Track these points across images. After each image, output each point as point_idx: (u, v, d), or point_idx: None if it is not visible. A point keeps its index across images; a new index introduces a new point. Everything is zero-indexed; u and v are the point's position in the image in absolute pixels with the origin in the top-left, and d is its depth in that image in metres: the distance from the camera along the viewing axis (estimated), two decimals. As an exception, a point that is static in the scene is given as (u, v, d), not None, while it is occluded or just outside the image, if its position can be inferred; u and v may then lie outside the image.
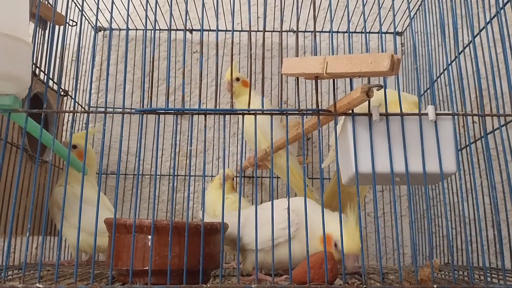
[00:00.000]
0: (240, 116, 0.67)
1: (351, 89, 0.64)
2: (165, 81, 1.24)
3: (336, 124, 0.72)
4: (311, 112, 0.66)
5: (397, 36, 1.25)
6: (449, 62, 0.86)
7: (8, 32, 0.61)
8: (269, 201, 0.66)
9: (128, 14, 0.77)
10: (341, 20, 1.27)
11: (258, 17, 1.26)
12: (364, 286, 0.60)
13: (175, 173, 1.19)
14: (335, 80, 0.72)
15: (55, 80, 1.01)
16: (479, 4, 0.79)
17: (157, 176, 1.20)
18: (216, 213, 0.99)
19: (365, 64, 0.56)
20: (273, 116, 0.66)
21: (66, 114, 1.14)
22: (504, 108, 0.76)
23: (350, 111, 0.65)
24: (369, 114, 0.65)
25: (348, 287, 0.60)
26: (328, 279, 0.61)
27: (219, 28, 1.21)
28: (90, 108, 1.14)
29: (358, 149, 0.65)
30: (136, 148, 0.93)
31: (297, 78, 0.68)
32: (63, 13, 0.85)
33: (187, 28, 1.25)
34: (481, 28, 0.81)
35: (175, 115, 0.67)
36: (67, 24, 0.93)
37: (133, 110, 0.67)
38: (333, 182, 0.96)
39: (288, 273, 0.68)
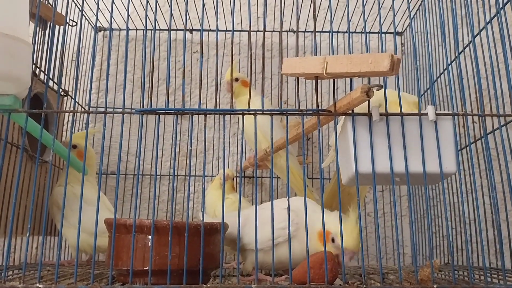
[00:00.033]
0: (240, 116, 0.67)
1: (351, 89, 0.64)
2: (165, 81, 1.25)
3: (336, 124, 0.72)
4: (311, 112, 0.66)
5: (397, 36, 1.25)
6: (449, 62, 0.86)
7: (8, 32, 0.61)
8: (269, 201, 0.66)
9: (128, 14, 0.77)
10: (341, 20, 1.27)
11: (258, 17, 1.26)
12: (364, 286, 0.60)
13: (175, 173, 1.20)
14: (335, 80, 0.72)
15: (55, 80, 1.01)
16: (479, 4, 0.79)
17: (157, 176, 1.20)
18: (216, 213, 0.99)
19: (365, 64, 0.56)
20: (273, 116, 0.66)
21: (66, 114, 1.14)
22: (504, 108, 0.76)
23: (350, 111, 0.65)
24: (369, 114, 0.65)
25: (348, 287, 0.60)
26: (328, 279, 0.61)
27: (219, 28, 1.21)
28: (90, 108, 1.14)
29: (358, 149, 0.65)
30: (136, 148, 0.94)
31: (297, 78, 0.68)
32: (63, 13, 0.85)
33: (187, 28, 1.25)
34: (481, 28, 0.81)
35: (175, 115, 0.67)
36: (67, 24, 0.93)
37: (133, 110, 0.67)
38: (333, 182, 0.96)
39: (288, 273, 0.68)
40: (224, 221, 0.66)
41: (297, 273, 0.64)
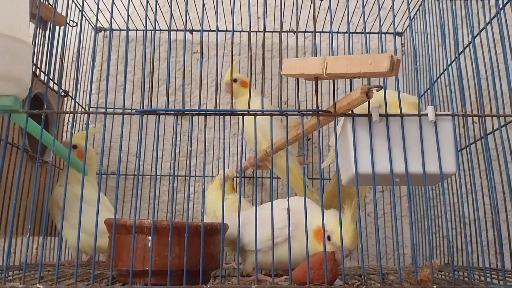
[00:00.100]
0: (240, 117, 0.68)
1: (351, 89, 0.64)
2: (165, 82, 1.25)
3: (336, 124, 0.72)
4: (311, 112, 0.66)
5: (397, 37, 1.25)
6: (449, 63, 0.86)
7: (8, 32, 0.61)
8: (269, 201, 0.66)
9: (128, 15, 0.77)
10: (341, 21, 1.27)
11: (258, 18, 1.26)
12: (364, 286, 0.60)
13: (175, 174, 1.20)
14: (335, 80, 0.72)
15: (56, 81, 1.01)
16: (479, 5, 0.79)
17: (157, 177, 1.20)
18: (216, 214, 0.99)
19: (365, 65, 0.56)
20: (273, 116, 0.66)
21: (67, 115, 1.14)
22: (504, 109, 0.76)
23: (350, 112, 0.65)
24: (369, 115, 0.65)
25: (348, 288, 0.60)
26: (328, 279, 0.61)
27: (219, 29, 1.21)
28: (91, 108, 1.14)
29: (358, 150, 0.65)
30: (137, 148, 0.94)
31: (297, 78, 0.68)
32: (64, 14, 0.85)
33: (187, 28, 1.25)
34: (481, 28, 0.81)
35: (175, 116, 0.67)
36: (67, 25, 0.93)
37: (133, 111, 0.67)
38: (333, 183, 0.96)
39: (288, 274, 0.68)
40: (224, 222, 0.66)
41: (297, 274, 0.64)
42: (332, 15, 0.71)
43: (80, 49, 1.13)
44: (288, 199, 0.63)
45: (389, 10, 1.14)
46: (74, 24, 1.10)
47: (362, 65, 0.56)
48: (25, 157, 0.91)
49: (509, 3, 0.76)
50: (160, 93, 1.26)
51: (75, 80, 1.08)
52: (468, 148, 0.71)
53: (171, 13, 1.05)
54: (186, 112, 0.66)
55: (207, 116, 0.67)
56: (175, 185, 1.21)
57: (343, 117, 0.67)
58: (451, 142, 0.65)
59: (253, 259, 0.71)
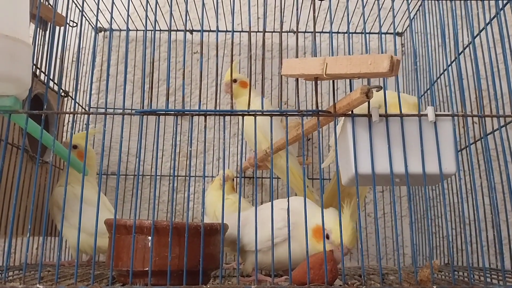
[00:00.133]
0: (240, 117, 0.68)
1: (351, 90, 0.64)
2: (165, 82, 1.25)
3: (336, 125, 0.72)
4: (310, 113, 0.66)
5: (397, 37, 1.25)
6: (449, 63, 0.86)
7: (8, 33, 0.61)
8: (269, 201, 0.66)
9: (128, 15, 0.77)
10: (341, 21, 1.27)
11: (258, 18, 1.26)
12: (364, 286, 0.60)
13: (175, 174, 1.20)
14: (335, 81, 0.72)
15: (56, 81, 1.01)
16: (479, 5, 0.79)
17: (157, 177, 1.20)
18: (216, 214, 0.99)
19: (365, 65, 0.56)
20: (273, 116, 0.67)
21: (67, 115, 1.14)
22: (504, 109, 0.76)
23: (350, 112, 0.65)
24: (368, 115, 0.65)
25: (348, 288, 0.60)
26: (328, 279, 0.61)
27: (219, 29, 1.21)
28: (91, 109, 1.14)
29: (358, 150, 0.65)
30: (137, 148, 0.94)
31: (297, 79, 0.68)
32: (64, 14, 0.85)
33: (187, 28, 1.25)
34: (481, 29, 0.81)
35: (175, 116, 0.67)
36: (67, 25, 0.93)
37: (133, 111, 0.67)
38: (333, 183, 0.96)
39: (288, 274, 0.68)
40: (224, 222, 0.66)
41: (297, 274, 0.64)
42: (332, 15, 0.71)
43: (80, 50, 1.13)
44: (288, 199, 0.64)
45: (389, 10, 1.14)
46: (74, 24, 1.10)
47: (361, 65, 0.56)
48: (25, 157, 0.91)
49: (508, 4, 0.76)
50: (160, 93, 1.26)
51: (75, 80, 1.08)
52: (468, 148, 0.71)
53: (171, 13, 1.05)
54: (186, 113, 0.66)
55: (207, 116, 0.67)
56: (175, 185, 1.21)
57: (343, 117, 0.67)
58: (451, 142, 0.65)
59: (253, 259, 0.71)
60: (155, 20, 0.72)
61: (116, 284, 0.67)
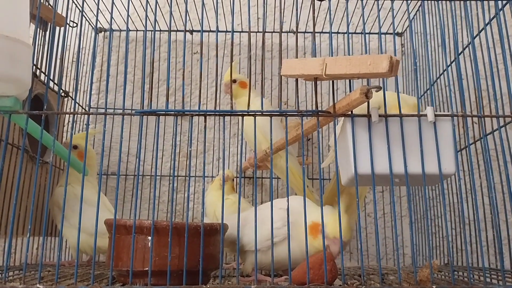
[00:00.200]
0: (240, 117, 0.68)
1: (351, 90, 0.64)
2: (165, 82, 1.25)
3: (335, 125, 0.72)
4: (310, 113, 0.66)
5: (396, 37, 1.25)
6: (448, 63, 0.86)
7: (8, 33, 0.61)
8: (269, 201, 0.67)
9: (128, 15, 0.77)
10: (341, 21, 1.27)
11: (258, 18, 1.26)
12: (364, 286, 0.60)
13: (175, 174, 1.20)
14: (335, 81, 0.72)
15: (56, 81, 1.01)
16: (478, 6, 0.79)
17: (157, 177, 1.20)
18: (216, 214, 0.99)
19: (364, 66, 0.56)
20: (273, 117, 0.67)
21: (67, 115, 1.14)
22: (503, 109, 0.76)
23: (350, 112, 0.65)
24: (368, 115, 0.65)
25: (348, 288, 0.60)
26: (328, 279, 0.61)
27: (219, 29, 1.21)
28: (91, 109, 1.14)
29: (358, 150, 0.65)
30: (137, 149, 0.94)
31: (297, 79, 0.68)
32: (64, 14, 0.85)
33: (187, 29, 1.25)
34: (480, 29, 0.82)
35: (175, 116, 0.67)
36: (67, 25, 0.93)
37: (133, 112, 0.67)
38: (333, 183, 0.96)
39: (288, 274, 0.68)
40: (224, 222, 0.66)
41: (297, 274, 0.65)
42: (332, 15, 0.71)
43: (80, 50, 1.13)
44: (288, 199, 0.64)
45: (389, 11, 1.14)
46: (74, 24, 1.10)
47: (361, 66, 0.56)
48: (25, 157, 0.91)
49: (508, 4, 0.76)
50: (160, 94, 1.27)
51: (75, 80, 1.08)
52: (467, 148, 0.71)
53: (171, 14, 1.05)
54: (186, 113, 0.66)
55: (207, 117, 0.67)
56: (175, 185, 1.21)
57: (343, 117, 0.67)
58: (450, 142, 0.65)
59: (252, 259, 0.71)
60: (155, 20, 0.72)
61: (116, 284, 0.67)
